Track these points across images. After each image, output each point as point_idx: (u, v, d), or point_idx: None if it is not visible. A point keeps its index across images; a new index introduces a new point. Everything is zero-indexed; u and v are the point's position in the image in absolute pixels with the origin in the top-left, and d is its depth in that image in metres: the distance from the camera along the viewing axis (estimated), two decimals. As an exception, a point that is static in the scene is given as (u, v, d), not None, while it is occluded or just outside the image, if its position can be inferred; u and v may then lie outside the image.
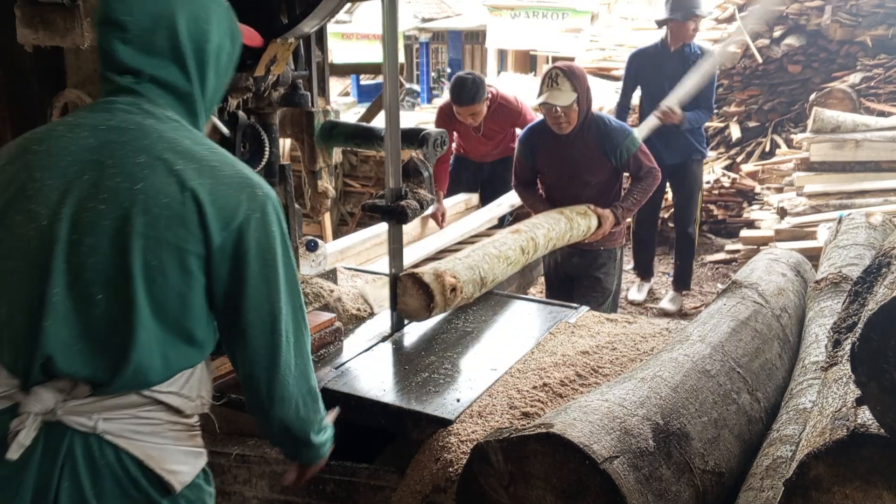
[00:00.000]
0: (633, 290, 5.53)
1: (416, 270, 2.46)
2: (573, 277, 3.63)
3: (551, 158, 3.49)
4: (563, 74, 3.26)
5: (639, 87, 5.17)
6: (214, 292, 1.32)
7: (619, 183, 3.54)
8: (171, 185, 1.25)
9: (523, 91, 6.45)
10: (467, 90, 4.46)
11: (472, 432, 1.89)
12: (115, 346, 1.26)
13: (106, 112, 1.31)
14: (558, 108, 3.26)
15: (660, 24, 5.02)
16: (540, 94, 3.32)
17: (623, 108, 5.29)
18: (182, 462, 1.36)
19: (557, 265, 3.71)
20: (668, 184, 5.32)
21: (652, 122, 4.66)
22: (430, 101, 15.74)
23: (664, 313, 5.08)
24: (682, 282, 5.31)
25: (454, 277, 2.48)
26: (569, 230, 3.23)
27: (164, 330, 1.29)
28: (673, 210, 5.52)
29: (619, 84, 5.57)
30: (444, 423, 1.94)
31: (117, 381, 1.27)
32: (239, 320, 1.34)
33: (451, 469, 1.81)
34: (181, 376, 1.35)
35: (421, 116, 8.60)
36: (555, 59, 12.26)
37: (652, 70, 5.02)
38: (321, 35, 2.77)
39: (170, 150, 1.28)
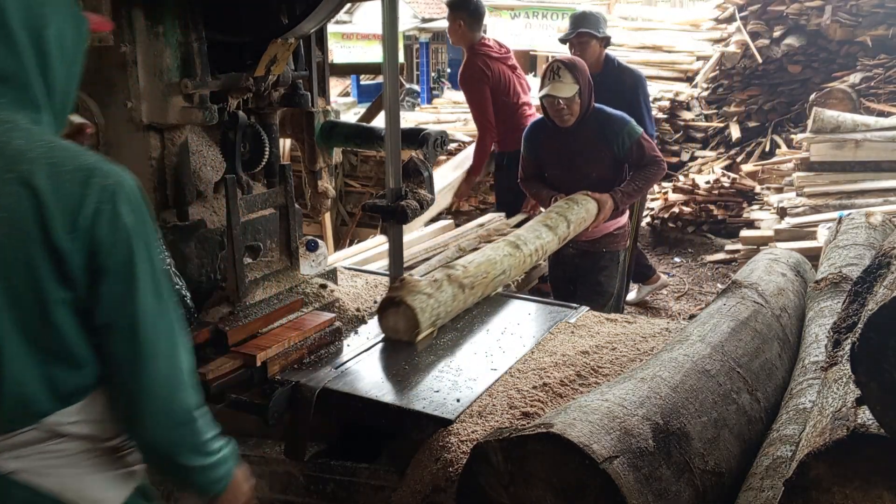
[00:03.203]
0: (632, 293, 5.52)
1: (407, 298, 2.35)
2: (574, 279, 3.66)
3: (554, 152, 3.53)
4: (565, 66, 3.32)
5: None
6: (74, 299, 1.19)
7: (621, 175, 3.56)
8: (6, 196, 1.13)
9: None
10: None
11: (472, 432, 1.89)
12: None
13: None
14: (561, 101, 3.31)
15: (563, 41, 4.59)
16: (542, 87, 3.37)
17: None
18: (106, 489, 1.28)
19: (559, 266, 3.72)
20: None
21: None
22: (430, 101, 15.71)
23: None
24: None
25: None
26: (566, 226, 3.18)
27: (35, 355, 1.18)
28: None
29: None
30: (444, 423, 1.94)
31: (4, 417, 1.19)
32: (95, 323, 1.21)
33: (451, 469, 1.80)
34: (88, 402, 1.24)
35: (421, 116, 8.59)
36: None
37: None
38: (321, 35, 2.77)
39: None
